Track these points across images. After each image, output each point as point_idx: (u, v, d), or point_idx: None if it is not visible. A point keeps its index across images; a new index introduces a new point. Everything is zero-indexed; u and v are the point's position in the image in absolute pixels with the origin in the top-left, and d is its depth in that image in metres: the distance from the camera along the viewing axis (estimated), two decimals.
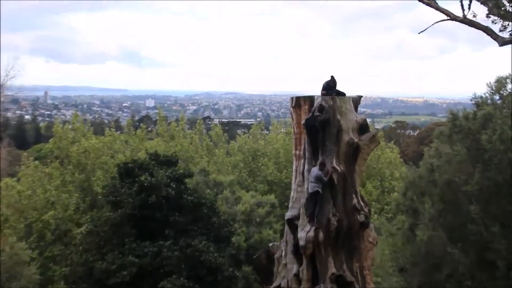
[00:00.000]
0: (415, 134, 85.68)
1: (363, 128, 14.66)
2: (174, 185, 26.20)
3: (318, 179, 13.68)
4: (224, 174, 37.53)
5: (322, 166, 13.79)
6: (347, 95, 14.81)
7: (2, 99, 45.12)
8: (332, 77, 14.85)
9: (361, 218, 14.12)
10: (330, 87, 14.78)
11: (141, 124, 51.17)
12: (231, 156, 44.45)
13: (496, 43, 20.59)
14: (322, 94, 14.60)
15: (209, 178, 34.74)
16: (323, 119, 13.93)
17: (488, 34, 20.94)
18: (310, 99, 14.54)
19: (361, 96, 15.30)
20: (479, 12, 21.30)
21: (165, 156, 29.14)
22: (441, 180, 20.72)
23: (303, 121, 14.35)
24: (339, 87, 14.92)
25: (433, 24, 21.78)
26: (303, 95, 14.98)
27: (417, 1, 21.35)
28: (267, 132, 53.93)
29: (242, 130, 72.19)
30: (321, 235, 13.64)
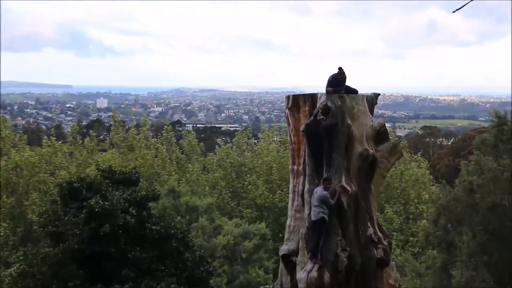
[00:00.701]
0: (449, 143, 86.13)
1: (381, 135, 14.73)
2: (134, 211, 26.09)
3: (323, 202, 13.65)
4: (200, 196, 37.47)
5: (327, 184, 13.75)
6: (360, 92, 14.89)
7: None
8: (340, 69, 14.91)
9: (378, 253, 14.16)
10: (337, 82, 14.83)
11: (91, 131, 51.08)
12: (209, 173, 44.43)
13: None
14: (327, 92, 14.64)
15: (180, 202, 34.68)
16: (329, 124, 13.98)
17: None
18: (312, 98, 14.61)
19: (378, 94, 15.40)
20: None
21: (122, 172, 29.06)
22: (483, 203, 20.83)
23: (302, 127, 14.39)
24: (349, 82, 15.00)
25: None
26: (303, 92, 15.05)
27: None
28: (256, 141, 53.97)
29: (223, 138, 72.33)
30: (326, 275, 13.66)
